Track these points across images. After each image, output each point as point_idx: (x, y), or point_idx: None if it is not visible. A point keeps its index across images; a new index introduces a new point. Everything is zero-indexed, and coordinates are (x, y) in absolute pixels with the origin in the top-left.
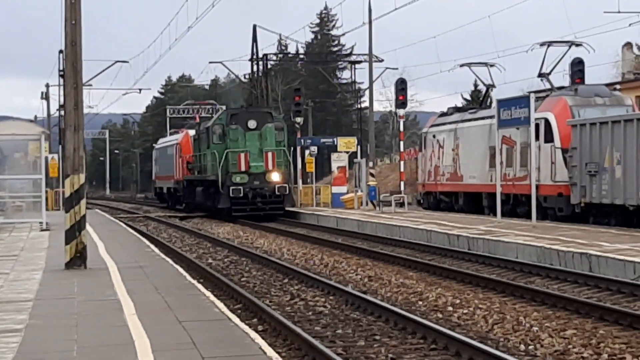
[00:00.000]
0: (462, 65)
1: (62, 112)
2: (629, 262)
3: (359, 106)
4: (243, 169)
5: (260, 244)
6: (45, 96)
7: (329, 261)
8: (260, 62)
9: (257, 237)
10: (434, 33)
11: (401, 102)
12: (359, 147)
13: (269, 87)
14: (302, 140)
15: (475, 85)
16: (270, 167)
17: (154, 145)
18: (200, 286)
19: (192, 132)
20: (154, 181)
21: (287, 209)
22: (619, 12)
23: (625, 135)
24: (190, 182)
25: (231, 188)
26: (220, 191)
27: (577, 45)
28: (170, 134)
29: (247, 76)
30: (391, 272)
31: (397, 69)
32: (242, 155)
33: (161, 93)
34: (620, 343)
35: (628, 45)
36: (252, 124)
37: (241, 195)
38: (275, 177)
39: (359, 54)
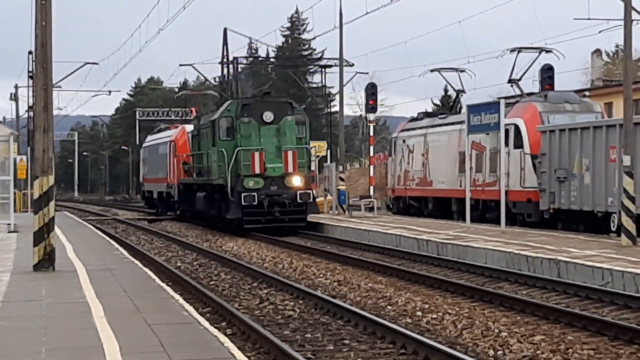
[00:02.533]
0: (432, 71)
1: (32, 114)
2: (597, 269)
3: (329, 110)
4: (257, 171)
5: (229, 247)
6: (14, 97)
7: (298, 265)
8: (231, 65)
9: (226, 240)
10: (405, 38)
11: (371, 107)
12: (328, 151)
13: (239, 90)
14: None
15: (446, 91)
16: (290, 169)
17: (142, 143)
18: (169, 289)
19: (189, 128)
20: (141, 184)
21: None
22: (589, 18)
23: (594, 142)
24: (188, 186)
25: (243, 195)
26: (229, 198)
27: (547, 51)
28: (162, 129)
29: (217, 79)
30: (360, 276)
31: (367, 73)
32: (257, 154)
33: (131, 95)
34: (588, 349)
35: (597, 52)
36: (268, 116)
37: (255, 203)
38: (296, 181)
39: (329, 58)
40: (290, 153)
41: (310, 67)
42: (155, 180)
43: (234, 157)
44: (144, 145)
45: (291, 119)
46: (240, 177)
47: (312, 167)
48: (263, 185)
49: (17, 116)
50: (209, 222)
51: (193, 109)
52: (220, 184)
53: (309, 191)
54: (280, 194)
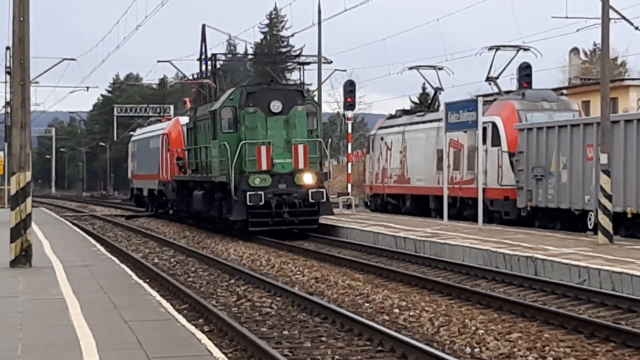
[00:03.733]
0: (410, 68)
1: (9, 110)
2: (574, 266)
3: None
4: (264, 167)
5: (207, 244)
6: None
7: (276, 262)
8: (209, 62)
9: (203, 237)
10: (383, 35)
11: (349, 104)
12: None
13: (217, 86)
14: None
15: (424, 88)
16: (301, 165)
17: (131, 134)
18: (146, 286)
19: (184, 120)
20: (130, 180)
21: None
22: (566, 17)
23: (571, 140)
24: (183, 184)
25: (248, 194)
26: (232, 197)
27: (525, 49)
28: (152, 122)
29: (195, 76)
30: (338, 273)
31: (345, 70)
32: (263, 148)
33: (109, 91)
34: (565, 347)
35: (575, 50)
36: (276, 106)
37: (262, 203)
38: (307, 178)
39: (308, 55)
40: (300, 147)
41: (288, 64)
42: (145, 176)
43: (237, 151)
44: (133, 139)
45: (302, 109)
46: (245, 174)
47: (326, 163)
48: (270, 183)
49: None
50: (203, 222)
51: (187, 100)
52: (221, 181)
53: (321, 190)
54: (289, 193)
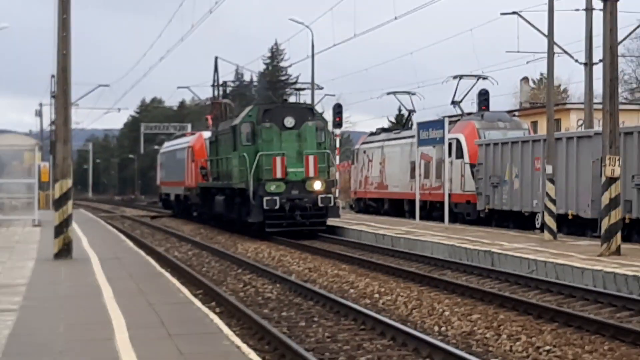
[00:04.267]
0: (388, 93)
1: (54, 127)
2: (524, 259)
3: None
4: (279, 175)
5: (218, 240)
6: (39, 114)
7: (276, 255)
8: (221, 88)
9: (215, 234)
10: (366, 66)
11: (337, 123)
12: None
13: (227, 108)
14: None
15: (399, 110)
16: (311, 173)
17: (157, 147)
18: (167, 274)
19: (206, 135)
20: (159, 187)
21: None
22: (518, 52)
23: (522, 154)
24: (206, 190)
25: (265, 199)
26: (250, 202)
27: (484, 78)
28: (177, 137)
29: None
30: (328, 264)
31: (334, 95)
32: (278, 159)
33: (137, 112)
34: (517, 326)
35: (525, 79)
36: (289, 121)
37: (277, 207)
38: (317, 185)
39: (303, 82)
40: (311, 158)
41: (287, 89)
42: (172, 183)
43: (255, 161)
44: (161, 151)
45: (312, 124)
46: (262, 181)
47: (332, 171)
48: (284, 190)
49: (42, 129)
50: (218, 223)
51: (209, 117)
52: (241, 187)
53: (329, 195)
54: (301, 198)
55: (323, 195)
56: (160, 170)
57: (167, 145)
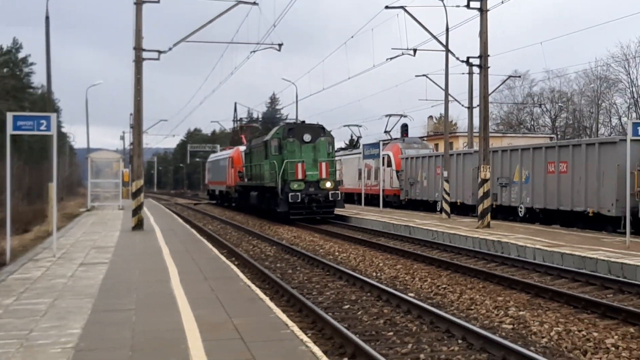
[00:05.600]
0: (345, 126)
1: (132, 146)
2: (429, 230)
3: None
4: (300, 177)
5: (237, 219)
6: (122, 138)
7: (272, 228)
8: (238, 122)
9: (234, 215)
10: (331, 108)
11: None
12: None
13: (242, 137)
14: None
15: (351, 136)
16: (324, 175)
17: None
18: (204, 240)
19: (242, 148)
20: (206, 184)
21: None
22: (426, 99)
23: (429, 164)
24: (244, 188)
25: (289, 194)
26: (279, 196)
27: (405, 116)
28: (222, 149)
29: (231, 129)
30: (306, 234)
31: None
32: (299, 164)
33: (185, 137)
34: (425, 272)
35: (430, 117)
36: (307, 137)
37: (299, 200)
38: (328, 184)
39: (291, 118)
40: (323, 164)
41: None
42: (217, 182)
43: (282, 167)
44: (209, 160)
45: (324, 139)
46: (287, 181)
47: (338, 174)
48: (304, 187)
49: (124, 148)
50: (249, 211)
51: (243, 136)
52: (271, 186)
53: (337, 191)
54: (316, 194)
55: (332, 192)
56: (207, 174)
57: (213, 157)
